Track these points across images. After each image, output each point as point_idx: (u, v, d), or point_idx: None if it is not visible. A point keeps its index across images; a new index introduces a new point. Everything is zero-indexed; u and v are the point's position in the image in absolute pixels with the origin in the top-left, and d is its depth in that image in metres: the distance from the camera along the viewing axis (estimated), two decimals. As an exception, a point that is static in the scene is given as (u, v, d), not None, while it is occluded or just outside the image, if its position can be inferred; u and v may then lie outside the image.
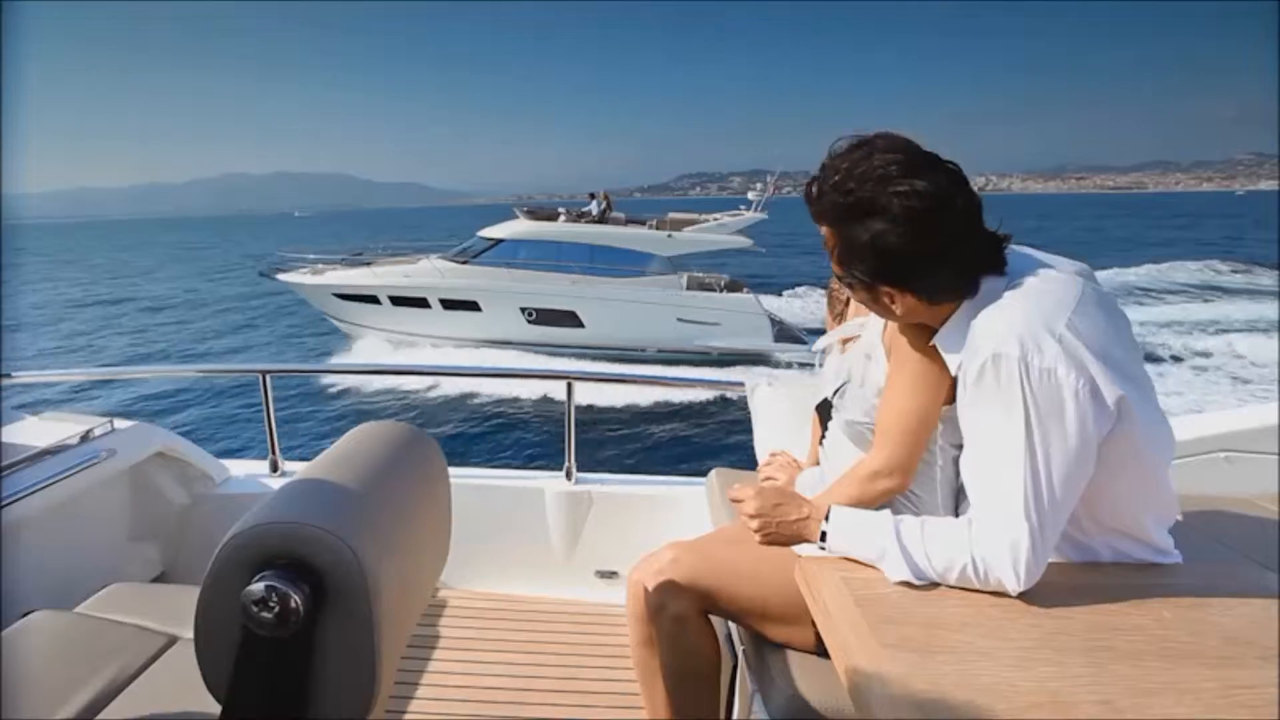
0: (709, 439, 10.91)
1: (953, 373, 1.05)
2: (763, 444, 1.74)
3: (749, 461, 1.84)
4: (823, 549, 1.06)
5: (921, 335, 1.11)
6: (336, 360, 14.57)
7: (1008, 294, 0.99)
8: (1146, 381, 0.99)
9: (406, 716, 1.75)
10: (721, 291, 14.91)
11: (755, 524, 1.12)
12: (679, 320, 14.17)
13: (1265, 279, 25.15)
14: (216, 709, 0.80)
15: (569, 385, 2.41)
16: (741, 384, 2.18)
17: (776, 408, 1.85)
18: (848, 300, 1.42)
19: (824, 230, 1.06)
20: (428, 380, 12.67)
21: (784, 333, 14.30)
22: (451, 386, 12.69)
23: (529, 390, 12.03)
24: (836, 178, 1.01)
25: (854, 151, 1.01)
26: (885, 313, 1.10)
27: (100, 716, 1.10)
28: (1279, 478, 1.80)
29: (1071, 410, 0.90)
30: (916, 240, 0.98)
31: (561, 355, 13.95)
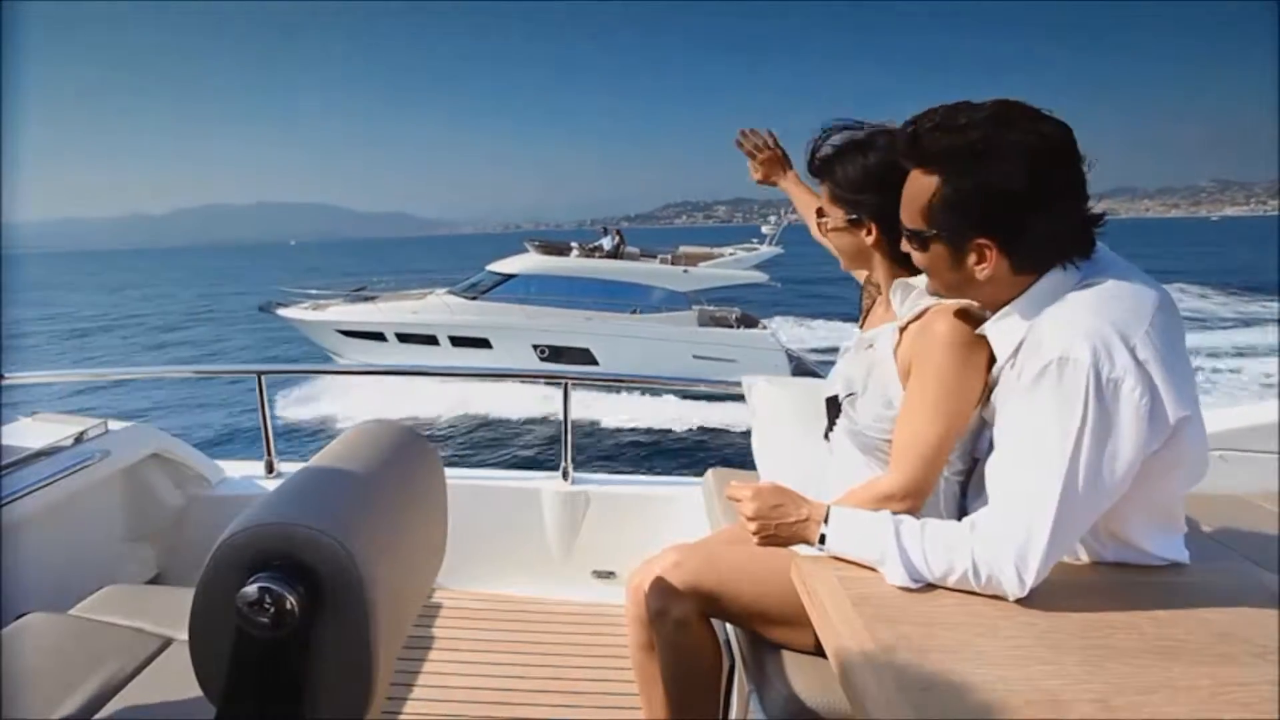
0: (705, 438, 10.92)
1: (1000, 360, 1.02)
2: (760, 442, 1.74)
3: (746, 461, 1.84)
4: (821, 551, 1.05)
5: (949, 354, 1.08)
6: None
7: (1083, 293, 0.94)
8: (1197, 401, 0.95)
9: (403, 718, 1.74)
10: (735, 326, 14.60)
11: (753, 526, 1.10)
12: (694, 357, 13.72)
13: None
14: (212, 711, 0.80)
15: (566, 387, 2.42)
16: (739, 383, 2.18)
17: (774, 405, 1.85)
18: (875, 299, 1.39)
19: (919, 181, 0.98)
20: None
21: (800, 368, 13.87)
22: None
23: (525, 392, 12.03)
24: (938, 119, 0.95)
25: (951, 106, 0.97)
26: (960, 282, 1.02)
27: (95, 719, 1.10)
28: (1278, 476, 1.81)
29: (1127, 426, 0.87)
30: (1034, 187, 0.91)
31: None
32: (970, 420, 1.11)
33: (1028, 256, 0.97)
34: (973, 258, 0.98)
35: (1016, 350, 0.99)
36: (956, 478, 1.17)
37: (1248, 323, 22.25)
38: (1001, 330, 1.02)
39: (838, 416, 1.30)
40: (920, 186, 0.99)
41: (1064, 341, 0.89)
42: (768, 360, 13.62)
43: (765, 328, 14.64)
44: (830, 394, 1.33)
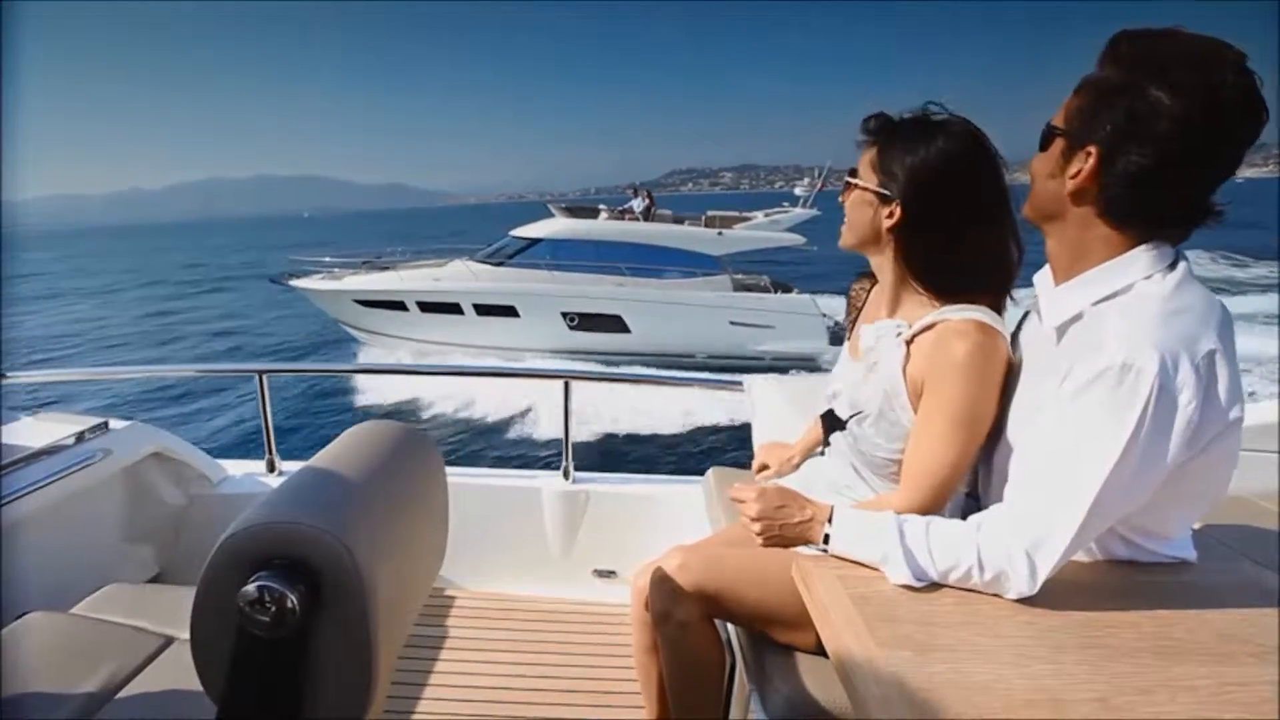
0: (707, 437, 10.90)
1: (1039, 324, 1.01)
2: (761, 441, 1.74)
3: (747, 460, 1.84)
4: (824, 551, 1.05)
5: (967, 376, 1.05)
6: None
7: (1155, 299, 0.90)
8: (1244, 408, 0.93)
9: (404, 716, 1.75)
10: (767, 287, 13.97)
11: (757, 527, 1.09)
12: (731, 324, 13.06)
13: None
14: (213, 710, 0.80)
15: (566, 385, 2.42)
16: (740, 382, 2.18)
17: (775, 404, 1.85)
18: (860, 309, 1.34)
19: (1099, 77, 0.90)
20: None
21: (839, 335, 12.97)
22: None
23: (526, 390, 11.92)
24: (1155, 30, 0.89)
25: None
26: (1054, 198, 0.97)
27: (96, 717, 1.10)
28: (1278, 476, 1.80)
29: (1174, 437, 0.86)
30: (1173, 129, 0.85)
31: (606, 363, 12.55)
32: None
33: (1120, 193, 0.91)
34: (1074, 165, 0.93)
35: (1064, 327, 0.97)
36: (964, 488, 1.16)
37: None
38: (1059, 298, 0.99)
39: (833, 431, 1.28)
40: (1083, 82, 0.94)
41: (1130, 347, 0.85)
42: (807, 326, 13.01)
43: (801, 293, 13.98)
44: (826, 410, 1.30)
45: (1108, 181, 0.91)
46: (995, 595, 0.93)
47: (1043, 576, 0.90)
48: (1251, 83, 0.85)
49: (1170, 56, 0.86)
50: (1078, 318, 0.97)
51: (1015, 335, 1.13)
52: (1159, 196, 0.90)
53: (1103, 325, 0.91)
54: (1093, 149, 0.91)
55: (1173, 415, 0.85)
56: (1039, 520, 0.90)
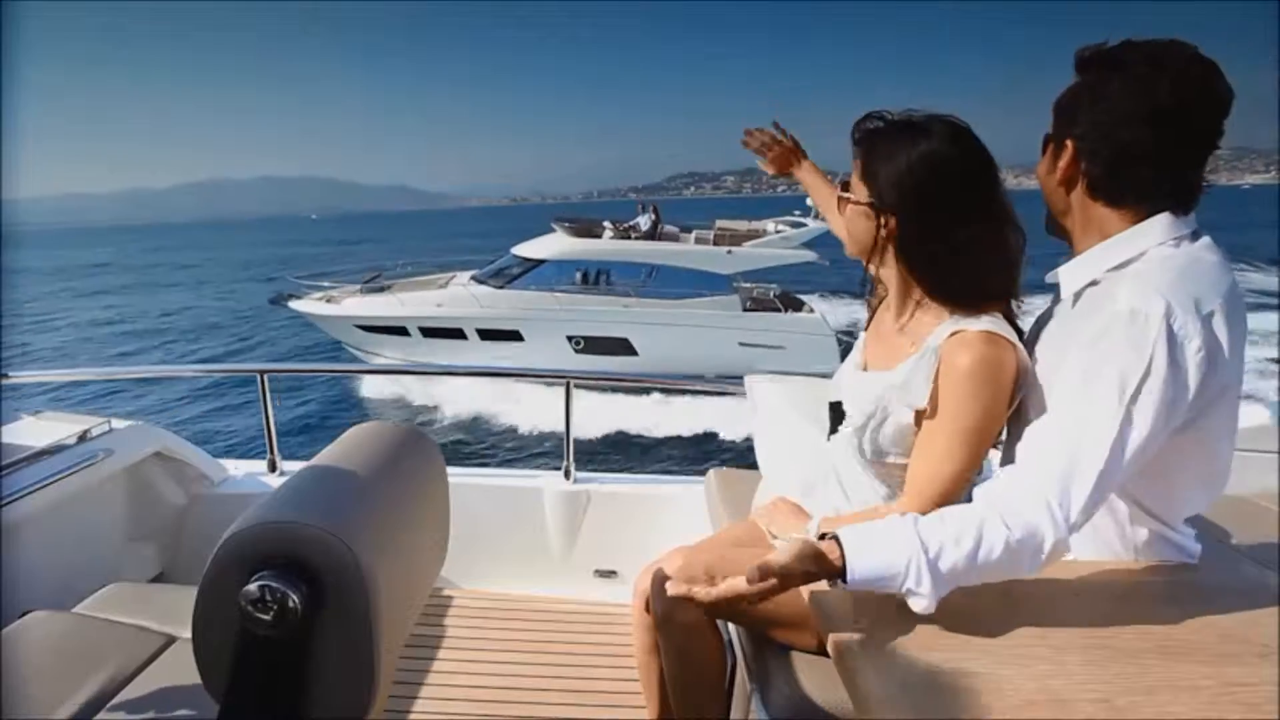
0: (708, 437, 10.90)
1: (1066, 290, 1.05)
2: (763, 440, 1.73)
3: (749, 461, 1.83)
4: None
5: (972, 388, 1.04)
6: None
7: (1169, 261, 0.95)
8: (1240, 385, 0.97)
9: (405, 715, 1.75)
10: (778, 306, 13.65)
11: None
12: (740, 344, 12.75)
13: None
14: (215, 709, 0.80)
15: (568, 385, 2.42)
16: (741, 381, 2.18)
17: (776, 404, 1.84)
18: (879, 304, 1.31)
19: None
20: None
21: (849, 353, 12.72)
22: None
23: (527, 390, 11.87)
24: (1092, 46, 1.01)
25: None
26: (1054, 191, 1.06)
27: (98, 716, 1.10)
28: (1278, 476, 1.80)
29: (1187, 378, 0.88)
30: (1144, 116, 0.94)
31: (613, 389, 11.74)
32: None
33: (1098, 174, 1.00)
34: (1061, 160, 1.03)
35: (1078, 295, 1.03)
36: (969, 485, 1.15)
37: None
38: (1075, 268, 1.05)
39: (840, 422, 1.26)
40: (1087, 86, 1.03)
41: (1138, 297, 0.90)
42: (818, 346, 12.60)
43: (812, 310, 13.66)
44: (835, 401, 1.29)
45: (1086, 166, 1.01)
46: (997, 594, 0.91)
47: (1075, 520, 0.87)
48: (1198, 68, 0.93)
49: (1122, 57, 0.97)
50: (1093, 284, 1.02)
51: (1038, 331, 1.13)
52: (1134, 173, 0.98)
53: (1115, 286, 0.95)
54: (1069, 143, 1.02)
55: (1181, 357, 0.88)
56: (1062, 464, 0.88)
